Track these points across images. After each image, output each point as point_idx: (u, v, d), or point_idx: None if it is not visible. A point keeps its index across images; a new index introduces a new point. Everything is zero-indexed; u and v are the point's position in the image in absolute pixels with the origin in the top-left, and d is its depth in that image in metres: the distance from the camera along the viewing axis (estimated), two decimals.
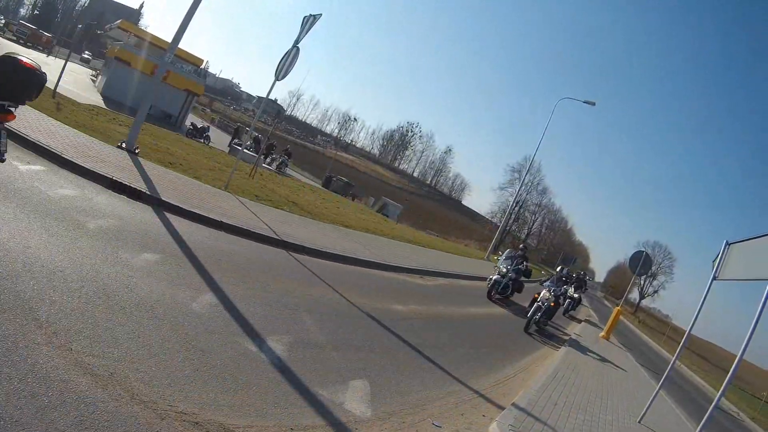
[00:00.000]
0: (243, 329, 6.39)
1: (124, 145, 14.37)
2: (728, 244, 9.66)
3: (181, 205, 10.71)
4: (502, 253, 23.88)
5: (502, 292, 21.15)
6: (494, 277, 21.25)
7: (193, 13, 14.82)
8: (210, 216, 11.04)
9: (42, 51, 59.65)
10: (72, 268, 5.79)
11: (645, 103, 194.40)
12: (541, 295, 17.63)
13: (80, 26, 76.87)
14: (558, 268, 26.36)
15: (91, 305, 5.20)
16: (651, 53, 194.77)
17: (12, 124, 11.24)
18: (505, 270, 21.16)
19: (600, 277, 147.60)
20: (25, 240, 5.92)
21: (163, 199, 10.61)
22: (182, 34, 15.01)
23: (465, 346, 11.39)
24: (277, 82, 15.69)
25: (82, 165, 10.33)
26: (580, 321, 29.30)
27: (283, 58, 15.27)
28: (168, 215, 10.09)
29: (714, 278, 9.83)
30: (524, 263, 21.71)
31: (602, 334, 23.69)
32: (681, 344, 11.41)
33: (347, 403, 5.88)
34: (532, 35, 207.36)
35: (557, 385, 10.65)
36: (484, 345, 12.66)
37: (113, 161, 11.93)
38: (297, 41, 15.24)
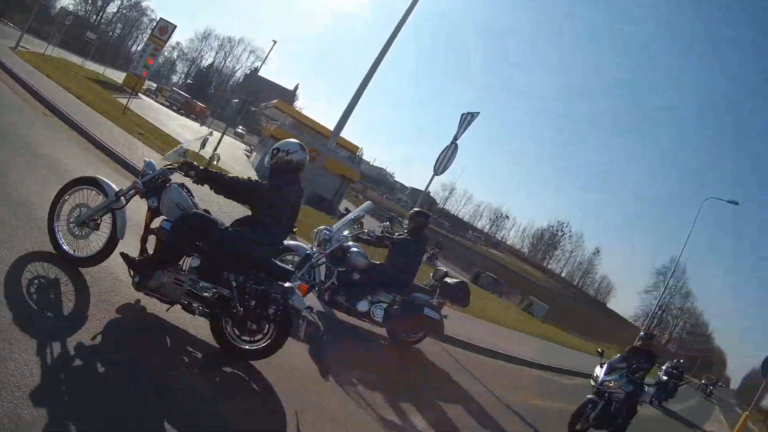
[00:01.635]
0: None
1: None
2: None
3: None
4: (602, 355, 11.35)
5: (599, 422, 10.26)
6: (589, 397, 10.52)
7: (355, 105, 15.74)
8: None
9: (195, 120, 62.16)
10: None
11: None
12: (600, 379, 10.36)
13: (235, 100, 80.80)
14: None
15: None
16: None
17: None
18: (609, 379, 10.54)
19: (735, 384, 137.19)
20: None
21: None
22: (344, 124, 15.96)
23: None
24: (435, 176, 16.10)
25: None
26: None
27: (441, 154, 15.55)
28: None
29: None
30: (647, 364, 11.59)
31: None
32: None
33: None
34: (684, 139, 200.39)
35: None
36: None
37: None
38: (455, 138, 15.60)
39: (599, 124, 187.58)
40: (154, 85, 76.85)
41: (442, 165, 15.56)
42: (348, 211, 40.65)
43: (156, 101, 59.02)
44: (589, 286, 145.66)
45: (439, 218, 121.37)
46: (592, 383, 10.66)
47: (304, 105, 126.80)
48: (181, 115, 60.27)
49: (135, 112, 23.46)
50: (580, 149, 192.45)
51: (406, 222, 10.97)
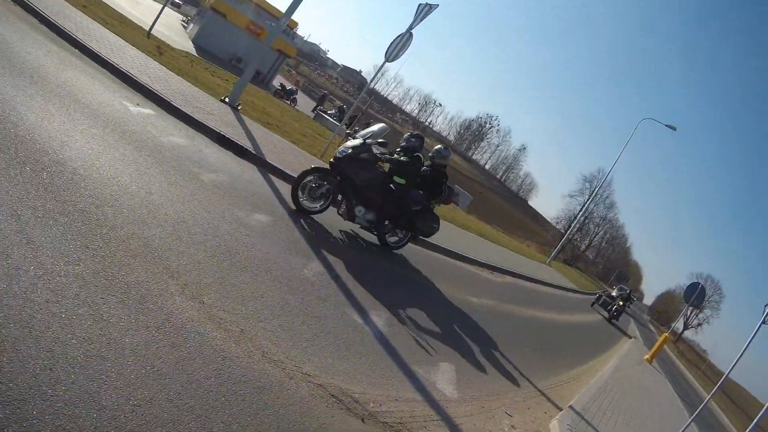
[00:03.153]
0: (349, 301, 6.73)
1: (227, 100, 14.86)
2: None
3: (284, 170, 11.02)
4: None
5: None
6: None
7: None
8: None
9: None
10: (193, 221, 6.03)
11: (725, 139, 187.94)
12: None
13: None
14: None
15: (216, 260, 5.45)
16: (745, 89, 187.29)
17: (117, 61, 11.60)
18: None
19: (648, 300, 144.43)
20: (147, 186, 6.15)
21: (267, 160, 10.98)
22: (298, 5, 15.31)
23: (530, 346, 11.74)
24: (387, 63, 15.86)
25: (192, 115, 10.76)
26: None
27: (395, 41, 15.31)
28: (272, 177, 10.45)
29: (763, 322, 9.85)
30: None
31: (647, 357, 23.62)
32: (717, 385, 11.45)
33: (438, 383, 6.22)
34: (629, 50, 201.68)
35: (606, 396, 10.83)
36: (549, 348, 12.90)
37: (219, 115, 12.37)
38: (410, 27, 15.23)
39: (547, 20, 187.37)
40: None
41: (394, 52, 15.31)
42: (282, 87, 39.93)
43: None
44: (512, 182, 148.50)
45: (368, 98, 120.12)
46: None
47: None
48: None
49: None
50: (523, 45, 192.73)
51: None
